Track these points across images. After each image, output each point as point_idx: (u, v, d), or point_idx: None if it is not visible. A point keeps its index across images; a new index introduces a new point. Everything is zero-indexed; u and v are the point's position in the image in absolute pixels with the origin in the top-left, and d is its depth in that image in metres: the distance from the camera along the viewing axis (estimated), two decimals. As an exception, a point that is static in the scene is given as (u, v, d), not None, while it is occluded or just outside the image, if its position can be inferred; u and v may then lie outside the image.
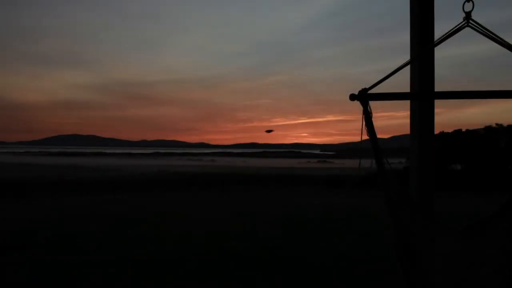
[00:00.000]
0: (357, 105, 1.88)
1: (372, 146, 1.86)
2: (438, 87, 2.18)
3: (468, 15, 1.80)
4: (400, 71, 1.95)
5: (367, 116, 1.86)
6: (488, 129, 33.02)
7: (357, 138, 1.85)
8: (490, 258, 1.55)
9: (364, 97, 1.87)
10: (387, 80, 1.90)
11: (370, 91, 1.89)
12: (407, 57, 2.20)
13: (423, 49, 2.06)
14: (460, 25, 1.82)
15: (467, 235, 1.61)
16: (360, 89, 1.90)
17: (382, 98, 1.92)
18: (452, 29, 1.83)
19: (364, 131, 1.86)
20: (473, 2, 1.79)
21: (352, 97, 1.87)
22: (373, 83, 1.90)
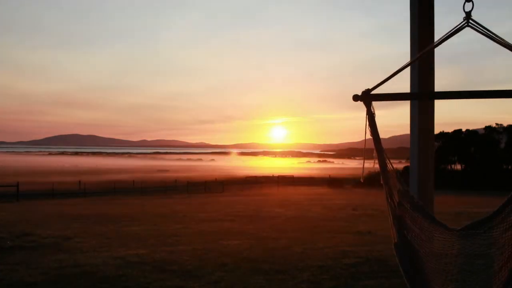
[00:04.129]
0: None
1: (375, 145, 1.86)
2: (437, 87, 2.17)
3: (468, 15, 1.79)
4: (402, 71, 1.93)
5: (371, 117, 1.86)
6: (488, 129, 33.02)
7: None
8: (489, 258, 1.55)
9: (367, 97, 1.86)
10: (383, 81, 1.89)
11: (372, 92, 1.88)
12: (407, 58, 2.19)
13: (423, 50, 2.05)
14: (460, 25, 1.81)
15: (466, 235, 1.61)
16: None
17: (384, 98, 1.91)
18: (452, 29, 1.82)
19: (368, 131, 1.86)
20: (473, 2, 1.78)
21: (355, 97, 1.87)
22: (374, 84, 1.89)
